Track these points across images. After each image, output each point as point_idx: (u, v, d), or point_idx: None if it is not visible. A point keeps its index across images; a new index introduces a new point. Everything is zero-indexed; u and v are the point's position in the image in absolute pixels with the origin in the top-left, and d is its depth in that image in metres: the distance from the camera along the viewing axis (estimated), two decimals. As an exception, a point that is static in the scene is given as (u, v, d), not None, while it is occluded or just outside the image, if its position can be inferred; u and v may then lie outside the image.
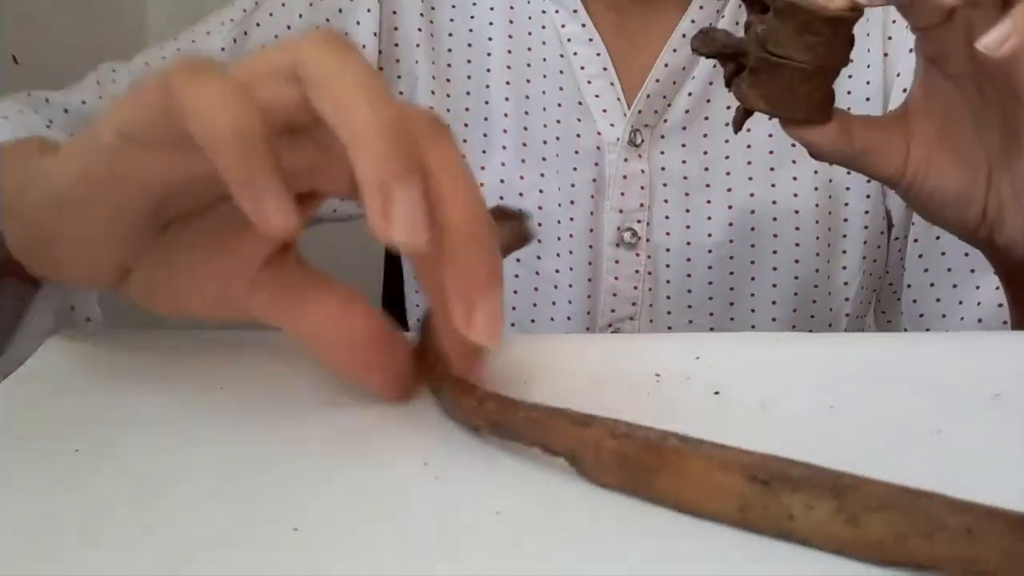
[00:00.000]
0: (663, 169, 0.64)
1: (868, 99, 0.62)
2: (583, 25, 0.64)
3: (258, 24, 0.66)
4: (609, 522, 0.29)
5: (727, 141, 0.64)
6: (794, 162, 0.64)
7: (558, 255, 0.67)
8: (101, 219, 0.31)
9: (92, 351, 0.40)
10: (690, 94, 0.63)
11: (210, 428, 0.34)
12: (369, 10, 0.67)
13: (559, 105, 0.65)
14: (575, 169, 0.65)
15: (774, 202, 0.65)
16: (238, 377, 0.38)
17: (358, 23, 0.66)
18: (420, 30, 0.67)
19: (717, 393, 0.36)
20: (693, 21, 0.63)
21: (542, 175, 0.66)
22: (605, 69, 0.64)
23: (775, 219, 0.65)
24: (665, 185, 0.64)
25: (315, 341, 0.32)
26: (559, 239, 0.66)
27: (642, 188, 0.64)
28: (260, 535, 0.28)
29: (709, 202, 0.65)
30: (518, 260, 0.67)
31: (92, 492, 0.30)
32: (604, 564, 0.27)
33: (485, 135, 0.67)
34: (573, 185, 0.65)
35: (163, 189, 0.30)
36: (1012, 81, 0.41)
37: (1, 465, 0.32)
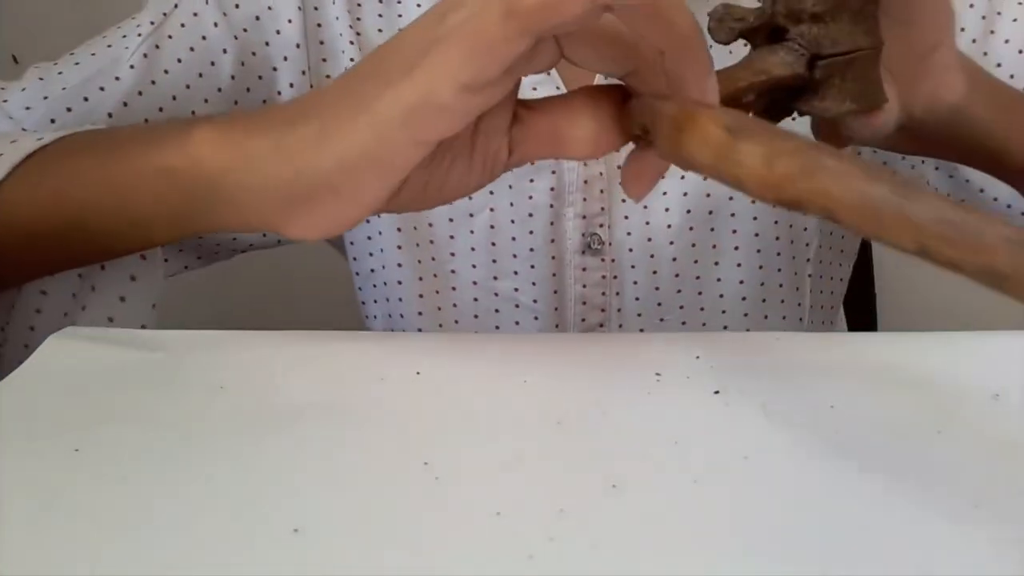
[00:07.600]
0: (619, 168, 0.64)
1: None
2: None
3: (170, 36, 0.61)
4: (609, 522, 0.29)
5: None
6: None
7: (515, 273, 0.65)
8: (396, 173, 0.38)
9: (92, 351, 0.40)
10: None
11: (210, 428, 0.34)
12: (291, 20, 0.63)
13: None
14: (531, 180, 0.63)
15: None
16: (238, 377, 0.38)
17: (278, 32, 0.64)
18: (351, 43, 0.65)
19: (717, 393, 0.36)
20: None
21: (491, 192, 0.64)
22: (548, 74, 0.63)
23: (731, 198, 0.64)
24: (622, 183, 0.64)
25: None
26: (515, 256, 0.65)
27: (602, 191, 0.64)
28: (260, 535, 0.28)
29: (665, 193, 0.64)
30: (475, 283, 0.66)
31: (92, 492, 0.30)
32: (604, 564, 0.27)
33: None
34: (531, 197, 0.64)
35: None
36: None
37: (1, 465, 0.32)
